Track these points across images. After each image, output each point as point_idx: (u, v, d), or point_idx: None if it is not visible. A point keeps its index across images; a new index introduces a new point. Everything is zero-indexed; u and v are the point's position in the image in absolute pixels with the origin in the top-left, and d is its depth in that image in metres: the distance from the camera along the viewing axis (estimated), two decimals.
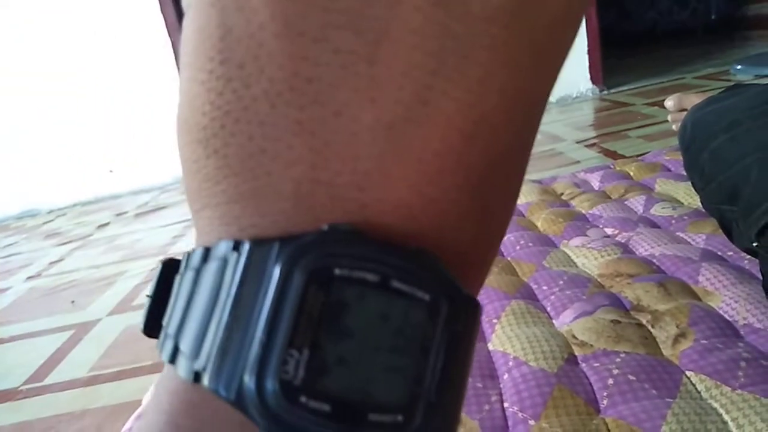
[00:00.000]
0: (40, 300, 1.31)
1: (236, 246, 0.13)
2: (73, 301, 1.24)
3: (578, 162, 1.49)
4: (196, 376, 0.13)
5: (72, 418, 0.80)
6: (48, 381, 0.91)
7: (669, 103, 1.11)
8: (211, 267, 0.13)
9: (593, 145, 1.66)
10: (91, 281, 1.35)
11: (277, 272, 0.12)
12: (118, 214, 2.05)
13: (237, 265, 0.12)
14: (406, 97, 0.12)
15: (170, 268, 0.15)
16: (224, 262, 0.13)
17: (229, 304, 0.12)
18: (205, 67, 0.13)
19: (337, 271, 0.12)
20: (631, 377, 0.59)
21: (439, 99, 0.12)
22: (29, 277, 1.49)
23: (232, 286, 0.12)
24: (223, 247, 0.13)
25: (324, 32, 0.12)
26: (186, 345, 0.13)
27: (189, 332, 0.13)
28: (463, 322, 0.13)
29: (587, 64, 2.40)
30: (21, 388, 0.91)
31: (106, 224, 1.94)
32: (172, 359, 0.13)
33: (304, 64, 0.12)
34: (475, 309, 0.13)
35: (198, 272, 0.13)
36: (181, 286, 0.14)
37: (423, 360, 0.12)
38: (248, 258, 0.12)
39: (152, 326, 0.15)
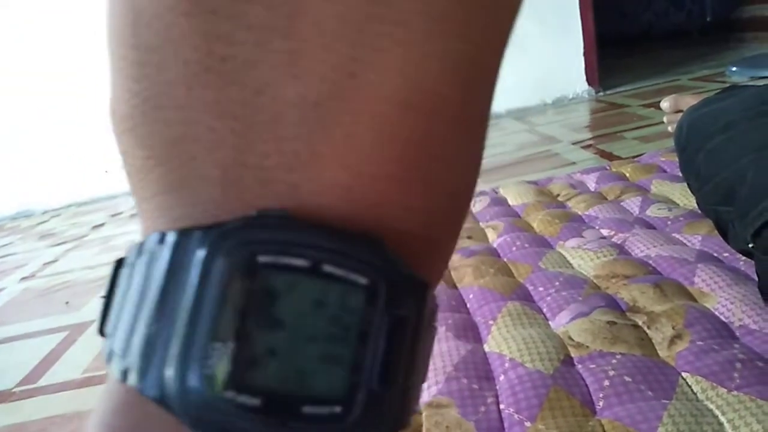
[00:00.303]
0: (34, 301, 1.30)
1: (162, 238, 0.12)
2: (67, 302, 1.23)
3: (574, 163, 1.49)
4: (125, 375, 0.12)
5: (64, 421, 0.79)
6: (42, 383, 0.91)
7: (665, 104, 1.11)
8: (142, 261, 0.12)
9: (589, 146, 1.66)
10: (86, 282, 1.34)
11: (198, 262, 0.11)
12: (113, 215, 2.04)
13: (161, 258, 0.12)
14: (330, 71, 0.12)
15: (120, 266, 0.14)
16: (152, 255, 0.12)
17: (155, 299, 0.12)
18: (121, 54, 0.12)
19: (261, 258, 0.11)
20: (627, 378, 0.59)
21: (367, 71, 0.12)
22: (23, 278, 1.48)
23: (157, 280, 0.12)
24: (151, 240, 0.12)
25: (235, 8, 0.11)
26: (117, 344, 0.12)
27: (120, 330, 0.12)
28: (408, 306, 0.12)
29: (583, 65, 2.40)
30: (14, 389, 0.90)
31: (101, 225, 1.92)
32: (109, 359, 0.13)
33: (217, 43, 0.12)
34: (423, 292, 0.13)
35: (132, 268, 0.13)
36: (119, 283, 0.13)
37: (362, 347, 0.12)
38: (173, 249, 0.12)
39: (105, 327, 0.14)
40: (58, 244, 1.75)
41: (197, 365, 0.11)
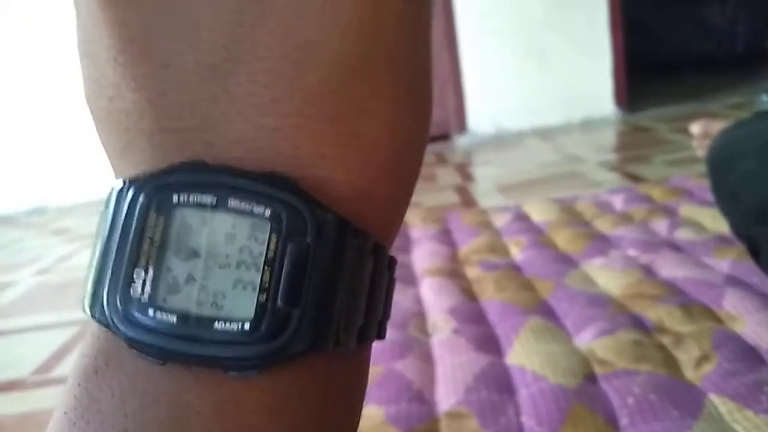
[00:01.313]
0: (48, 295, 1.31)
1: (110, 191, 0.14)
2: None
3: (600, 184, 1.48)
4: (84, 307, 0.14)
5: None
6: (55, 373, 0.91)
7: (694, 128, 1.09)
8: (102, 212, 0.14)
9: (615, 167, 1.64)
10: None
11: (125, 203, 0.13)
12: None
13: (109, 205, 0.14)
14: (220, 38, 0.13)
15: None
16: (106, 204, 0.14)
17: (103, 238, 0.14)
18: (79, 50, 0.15)
19: (175, 198, 0.13)
20: (652, 397, 0.58)
21: (251, 33, 0.13)
22: (38, 272, 1.49)
23: (106, 222, 0.14)
24: (106, 194, 0.15)
25: None
26: (85, 282, 0.14)
27: (87, 272, 0.14)
28: (314, 235, 0.13)
29: (612, 86, 2.39)
30: (28, 378, 0.91)
31: None
32: (81, 303, 0.15)
33: (124, 28, 0.14)
34: (337, 225, 0.14)
35: (99, 220, 0.15)
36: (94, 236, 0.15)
37: (268, 272, 0.13)
38: (115, 198, 0.14)
39: None
40: (72, 241, 1.77)
41: (122, 290, 0.13)
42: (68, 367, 0.93)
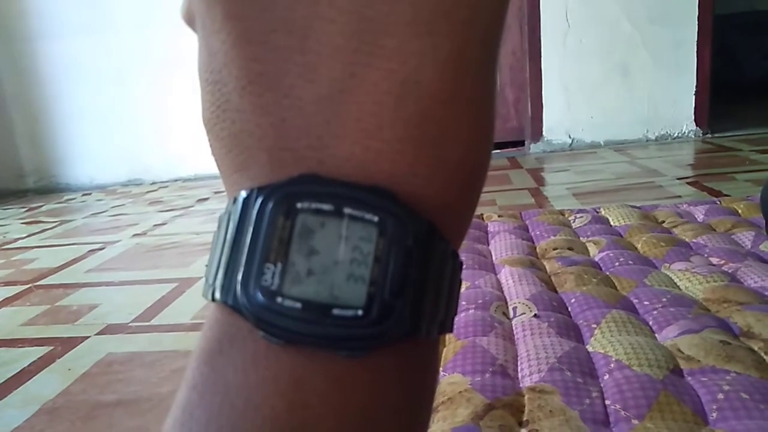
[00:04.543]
0: (146, 254, 1.40)
1: (236, 200, 0.17)
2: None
3: (679, 197, 1.46)
4: (213, 295, 0.16)
5: (177, 356, 0.86)
6: (155, 322, 0.98)
7: None
8: (225, 217, 0.17)
9: (695, 182, 1.61)
10: (192, 245, 1.43)
11: (256, 208, 0.16)
12: (216, 192, 2.16)
13: (236, 211, 0.16)
14: (336, 73, 0.15)
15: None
16: (230, 211, 0.17)
17: (231, 238, 0.16)
18: (204, 78, 0.17)
19: (298, 204, 0.15)
20: (744, 396, 0.58)
21: (363, 70, 0.15)
22: (136, 234, 1.60)
23: (233, 224, 0.16)
24: (230, 203, 0.17)
25: (264, 37, 0.16)
26: (210, 275, 0.17)
27: (212, 266, 0.17)
28: (413, 237, 0.16)
29: (693, 104, 2.33)
30: (130, 324, 0.98)
31: (206, 199, 2.04)
32: (205, 289, 0.17)
33: (254, 63, 0.16)
34: (427, 229, 0.16)
35: (220, 223, 0.17)
36: (213, 238, 0.18)
37: (377, 268, 0.15)
38: (242, 203, 0.16)
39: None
40: (167, 211, 1.87)
41: (255, 280, 0.15)
42: (165, 317, 1.00)
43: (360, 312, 0.15)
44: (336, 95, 0.15)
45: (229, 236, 0.16)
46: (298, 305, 0.15)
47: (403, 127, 0.16)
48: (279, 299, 0.15)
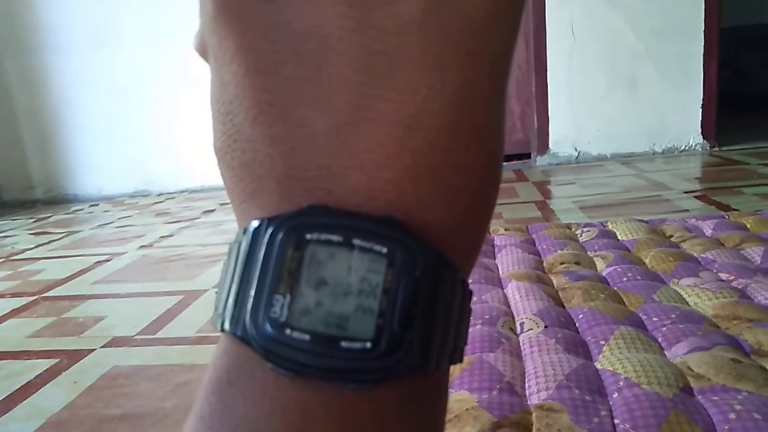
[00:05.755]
0: (151, 267, 1.41)
1: (246, 230, 0.17)
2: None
3: (686, 210, 1.45)
4: (222, 325, 0.16)
5: (181, 370, 0.85)
6: (160, 335, 0.98)
7: None
8: (235, 246, 0.17)
9: (702, 196, 1.60)
10: (199, 257, 1.43)
11: (265, 239, 0.16)
12: (222, 204, 2.17)
13: (245, 240, 0.16)
14: (346, 105, 0.15)
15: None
16: (240, 240, 0.17)
17: (241, 267, 0.16)
18: (216, 108, 0.17)
19: (308, 236, 0.15)
20: (757, 416, 0.57)
21: (373, 102, 0.15)
22: (142, 246, 1.60)
23: (243, 254, 0.16)
24: (240, 233, 0.17)
25: (276, 68, 0.16)
26: (219, 304, 0.17)
27: (221, 295, 0.17)
28: (421, 269, 0.16)
29: (700, 117, 2.32)
30: (136, 336, 0.98)
31: (212, 210, 2.05)
32: (214, 318, 0.17)
33: (265, 93, 0.16)
34: (437, 260, 0.16)
35: (230, 252, 0.17)
36: (223, 268, 0.18)
37: (385, 300, 0.15)
38: (252, 234, 0.16)
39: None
40: (173, 222, 1.88)
41: (264, 311, 0.15)
42: (171, 330, 1.00)
43: (369, 344, 0.15)
44: (346, 126, 0.16)
45: (239, 266, 0.16)
46: (307, 337, 0.15)
47: (411, 157, 0.16)
48: (288, 331, 0.15)
